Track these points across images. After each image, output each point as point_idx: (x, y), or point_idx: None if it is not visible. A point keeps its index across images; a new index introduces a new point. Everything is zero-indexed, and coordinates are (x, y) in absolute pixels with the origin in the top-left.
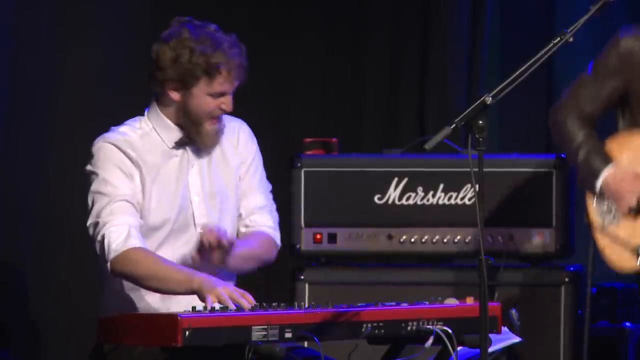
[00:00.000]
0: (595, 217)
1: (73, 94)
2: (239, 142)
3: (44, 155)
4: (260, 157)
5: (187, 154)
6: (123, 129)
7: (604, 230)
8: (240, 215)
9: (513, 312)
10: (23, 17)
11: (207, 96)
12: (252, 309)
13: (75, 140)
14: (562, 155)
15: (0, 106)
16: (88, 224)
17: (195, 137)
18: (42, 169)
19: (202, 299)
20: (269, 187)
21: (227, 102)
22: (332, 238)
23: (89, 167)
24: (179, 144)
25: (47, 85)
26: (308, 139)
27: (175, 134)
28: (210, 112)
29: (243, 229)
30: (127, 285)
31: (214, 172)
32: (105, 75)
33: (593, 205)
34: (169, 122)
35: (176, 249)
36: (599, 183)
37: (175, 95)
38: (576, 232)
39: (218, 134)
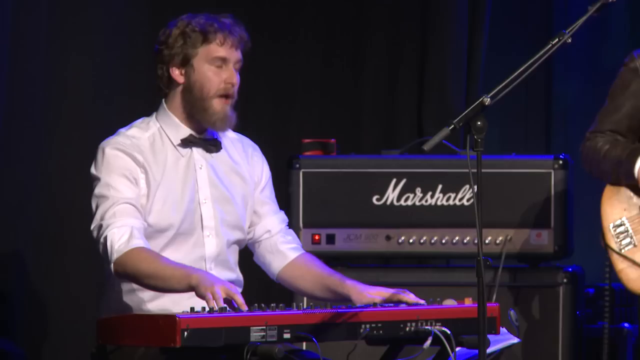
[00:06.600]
0: (611, 241)
1: (72, 94)
2: (252, 159)
3: (44, 155)
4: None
5: (195, 154)
6: (131, 131)
7: (621, 253)
8: (269, 231)
9: (512, 312)
10: (23, 20)
11: (207, 65)
12: (250, 309)
13: (75, 139)
14: (561, 156)
15: (0, 105)
16: (92, 227)
17: (204, 117)
18: (42, 168)
19: (200, 295)
20: None
21: (229, 73)
22: (331, 239)
23: (93, 171)
24: (186, 143)
25: (47, 86)
26: (306, 140)
27: (183, 131)
28: (216, 86)
29: (283, 246)
30: (126, 290)
31: (223, 177)
32: (104, 76)
33: (610, 229)
34: (176, 120)
35: (181, 252)
36: (637, 165)
37: (179, 77)
38: (574, 233)
39: (229, 117)
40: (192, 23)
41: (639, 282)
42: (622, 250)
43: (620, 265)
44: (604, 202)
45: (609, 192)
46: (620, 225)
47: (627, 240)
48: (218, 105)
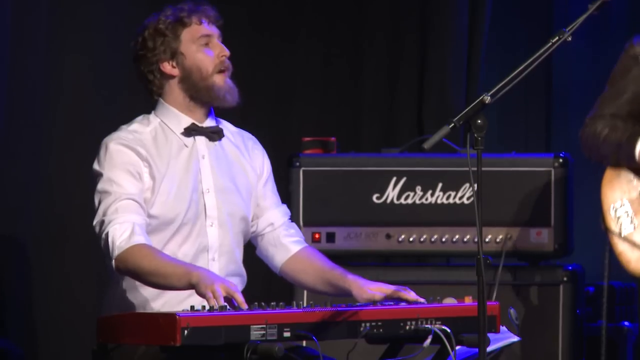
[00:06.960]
0: (611, 223)
1: (72, 93)
2: (253, 152)
3: (44, 154)
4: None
5: (198, 144)
6: (132, 126)
7: (621, 235)
8: (272, 224)
9: (512, 311)
10: (23, 19)
11: (195, 46)
12: (250, 308)
13: (75, 139)
14: (561, 155)
15: (0, 104)
16: (94, 222)
17: (211, 95)
18: (42, 167)
19: (200, 293)
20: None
21: (219, 47)
22: (331, 237)
23: (95, 167)
24: (189, 132)
25: (47, 85)
26: (306, 138)
27: (185, 121)
28: (212, 64)
29: (286, 239)
30: (129, 287)
31: (226, 168)
32: (104, 75)
33: (610, 211)
34: (176, 111)
35: (186, 243)
36: (638, 148)
37: (172, 70)
38: (574, 231)
39: (233, 88)
40: (162, 18)
41: (639, 264)
42: (623, 233)
43: (620, 247)
44: (604, 185)
45: (609, 175)
46: (621, 207)
47: (627, 222)
48: (220, 81)
